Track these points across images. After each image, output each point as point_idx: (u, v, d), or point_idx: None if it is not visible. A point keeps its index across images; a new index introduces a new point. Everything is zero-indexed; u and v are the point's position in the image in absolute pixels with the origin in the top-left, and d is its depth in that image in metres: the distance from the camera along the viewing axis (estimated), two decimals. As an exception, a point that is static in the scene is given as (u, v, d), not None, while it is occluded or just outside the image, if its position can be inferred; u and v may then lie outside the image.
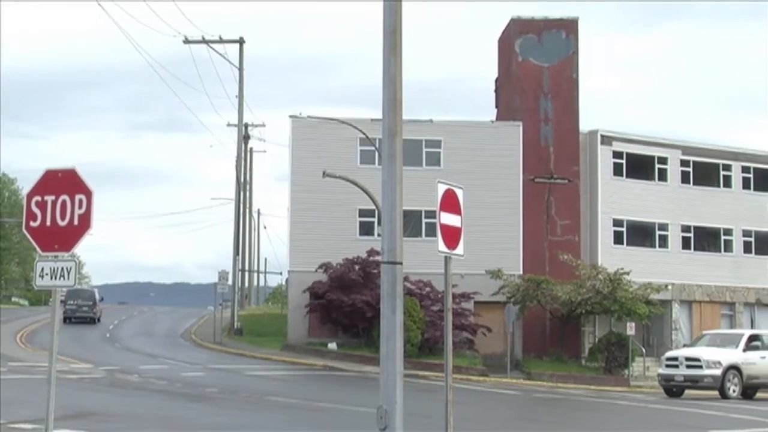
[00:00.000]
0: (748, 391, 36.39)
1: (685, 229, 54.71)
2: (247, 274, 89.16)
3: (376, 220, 46.85)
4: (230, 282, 58.13)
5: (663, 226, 54.14)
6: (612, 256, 50.64)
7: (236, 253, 60.68)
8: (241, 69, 60.84)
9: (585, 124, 53.19)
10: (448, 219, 13.34)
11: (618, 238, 52.66)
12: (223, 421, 20.89)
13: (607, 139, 53.04)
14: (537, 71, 52.50)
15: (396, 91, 10.78)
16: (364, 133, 44.10)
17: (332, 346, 46.51)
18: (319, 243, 48.44)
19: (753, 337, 37.68)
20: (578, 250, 51.00)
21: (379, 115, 10.97)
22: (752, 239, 56.57)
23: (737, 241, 56.20)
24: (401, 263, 10.58)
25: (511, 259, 49.18)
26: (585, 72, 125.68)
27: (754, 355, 36.38)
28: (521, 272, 49.09)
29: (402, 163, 10.75)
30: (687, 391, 36.59)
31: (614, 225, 52.61)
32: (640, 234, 53.60)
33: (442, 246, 13.24)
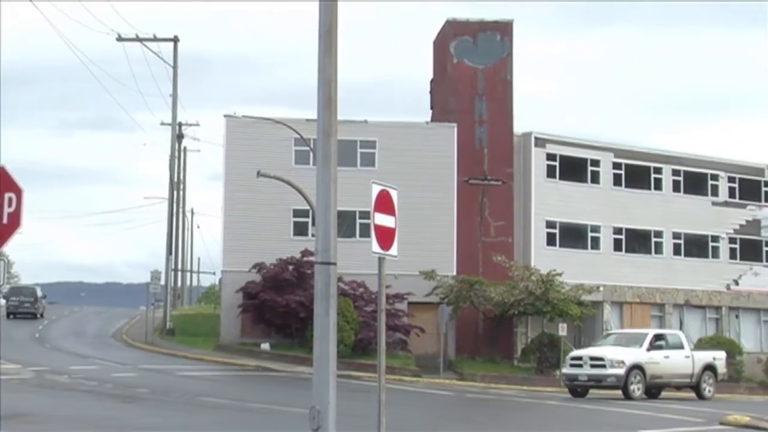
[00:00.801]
0: (653, 391, 36.45)
1: (617, 231, 55.30)
2: (179, 273, 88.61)
3: (310, 220, 46.73)
4: (163, 282, 57.75)
5: (595, 228, 54.68)
6: (545, 258, 51.02)
7: (169, 252, 60.27)
8: (175, 67, 60.45)
9: (519, 126, 53.64)
10: (383, 220, 13.34)
11: (551, 240, 53.09)
12: (155, 422, 20.70)
13: (540, 142, 53.44)
14: (472, 73, 52.74)
15: (331, 92, 10.76)
16: (298, 134, 44.06)
17: (265, 346, 46.34)
18: (252, 243, 48.28)
19: (657, 337, 37.72)
20: (511, 252, 51.32)
21: (314, 115, 10.95)
22: (681, 241, 57.33)
23: (667, 243, 56.93)
24: (335, 264, 10.56)
25: (445, 260, 49.34)
26: (519, 74, 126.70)
27: (657, 355, 36.30)
28: (455, 273, 49.28)
29: (336, 163, 10.73)
30: (591, 391, 36.22)
31: (547, 226, 53.02)
32: (573, 235, 54.08)
33: (376, 247, 13.25)
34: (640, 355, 35.82)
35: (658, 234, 56.77)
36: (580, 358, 36.33)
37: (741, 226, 59.51)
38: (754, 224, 60.05)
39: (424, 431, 21.94)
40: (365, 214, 42.59)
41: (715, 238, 58.52)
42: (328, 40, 10.75)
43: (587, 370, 35.60)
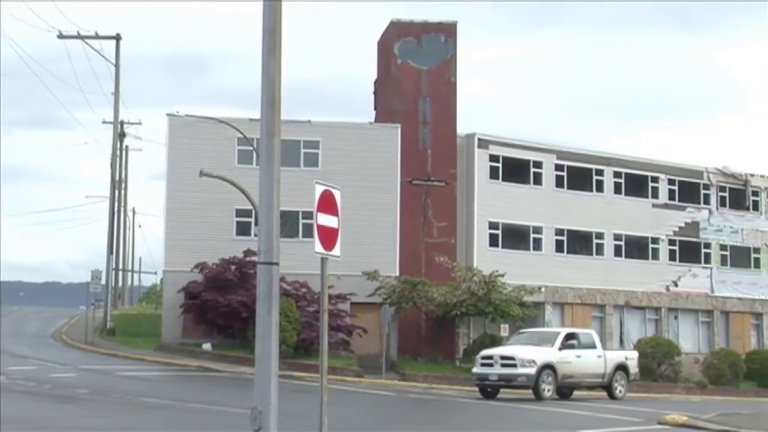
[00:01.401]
0: (564, 391, 36.04)
1: (559, 232, 55.70)
2: (120, 273, 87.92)
3: (253, 220, 46.62)
4: (103, 281, 57.28)
5: (537, 230, 55.03)
6: (487, 259, 51.25)
7: (110, 252, 59.80)
8: (117, 65, 59.99)
9: (463, 128, 53.82)
10: (326, 220, 13.35)
11: (493, 241, 53.35)
12: (95, 422, 20.52)
13: (483, 143, 53.68)
14: (416, 74, 52.87)
15: (274, 91, 10.74)
16: (242, 133, 43.92)
17: (207, 346, 46.12)
18: (195, 243, 48.05)
19: (569, 336, 37.07)
20: (454, 252, 51.49)
21: (257, 114, 10.91)
22: (622, 243, 57.88)
23: (608, 244, 57.44)
24: (278, 264, 10.54)
25: (388, 260, 49.40)
26: (463, 76, 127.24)
27: (569, 354, 35.73)
28: (397, 274, 49.37)
29: (280, 163, 10.70)
30: (502, 391, 35.70)
31: (490, 227, 53.27)
32: (515, 237, 54.39)
33: (319, 247, 13.24)
34: (552, 354, 35.17)
35: (600, 235, 57.25)
36: (490, 357, 35.50)
37: (680, 228, 60.22)
38: (693, 226, 60.80)
39: (366, 431, 21.94)
40: (308, 215, 42.37)
41: (655, 240, 59.15)
42: (272, 39, 10.73)
43: (498, 370, 34.81)
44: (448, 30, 53.67)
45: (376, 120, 54.69)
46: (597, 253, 57.19)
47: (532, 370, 34.12)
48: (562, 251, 55.73)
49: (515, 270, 50.37)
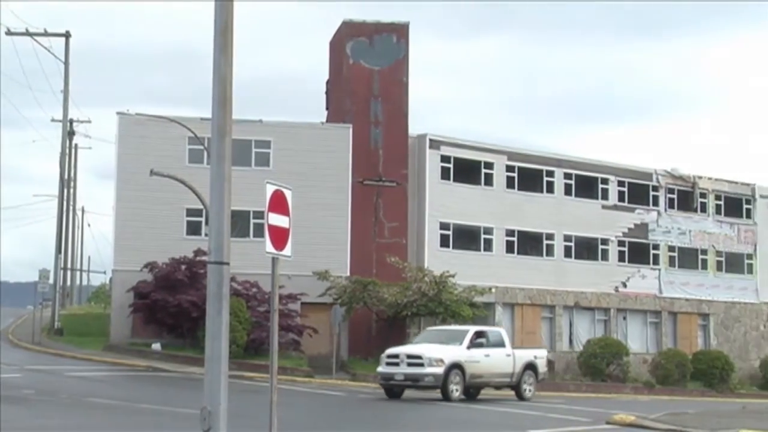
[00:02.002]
0: (471, 391, 34.74)
1: (510, 233, 55.94)
2: (69, 272, 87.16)
3: (203, 219, 46.43)
4: (51, 281, 56.74)
5: (488, 230, 55.23)
6: (438, 259, 51.38)
7: (58, 251, 59.26)
8: (66, 63, 59.45)
9: (415, 128, 53.92)
10: (277, 220, 13.32)
11: (444, 241, 53.49)
12: (41, 423, 20.33)
13: (435, 144, 53.81)
14: (368, 74, 52.88)
15: (226, 91, 10.70)
16: (192, 132, 43.74)
17: (156, 346, 45.86)
18: (145, 242, 47.76)
19: (478, 334, 35.56)
20: (405, 253, 51.57)
21: (208, 114, 10.87)
22: (572, 244, 58.26)
23: (558, 245, 57.78)
24: (228, 263, 10.50)
25: (339, 260, 49.39)
26: (416, 77, 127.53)
27: (478, 353, 34.41)
28: (348, 274, 49.37)
29: (231, 163, 10.67)
30: (408, 392, 34.41)
31: (441, 228, 53.40)
32: (466, 237, 54.56)
33: (269, 247, 13.22)
34: (460, 353, 33.86)
35: (550, 236, 57.58)
36: (396, 356, 33.93)
37: (629, 229, 60.71)
38: (642, 228, 61.34)
39: (315, 431, 21.93)
40: (259, 214, 42.28)
41: (604, 241, 59.58)
42: (224, 38, 10.69)
43: (404, 369, 33.29)
44: (401, 30, 53.74)
45: (328, 120, 54.65)
46: (547, 254, 57.52)
47: (439, 370, 32.83)
48: (513, 252, 55.98)
49: (466, 270, 50.54)
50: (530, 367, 36.52)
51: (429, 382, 33.01)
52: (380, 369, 34.48)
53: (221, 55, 10.68)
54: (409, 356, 33.55)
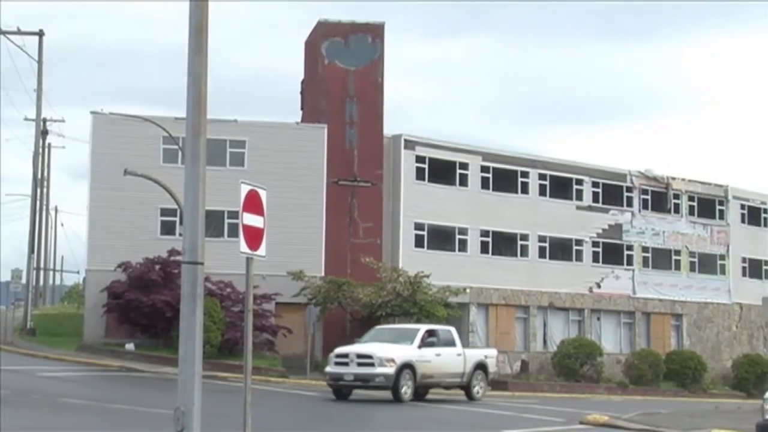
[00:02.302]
0: (420, 391, 33.60)
1: (484, 233, 56.00)
2: (42, 272, 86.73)
3: (178, 219, 46.28)
4: (24, 280, 56.45)
5: (463, 231, 55.27)
6: (413, 259, 51.37)
7: (31, 251, 58.92)
8: (40, 62, 59.18)
9: (390, 129, 53.85)
10: (251, 220, 13.31)
11: (419, 242, 53.50)
12: (14, 424, 20.21)
13: (410, 144, 53.82)
14: (343, 74, 52.84)
15: (201, 90, 10.67)
16: (167, 132, 43.58)
17: (130, 346, 45.70)
18: (118, 242, 47.56)
19: (429, 333, 34.54)
20: (380, 253, 51.57)
21: (183, 113, 10.83)
22: (547, 245, 58.38)
23: (533, 246, 57.89)
24: (203, 263, 10.47)
25: (313, 260, 49.35)
26: (391, 77, 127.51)
27: (429, 352, 33.47)
28: (323, 274, 49.31)
29: (205, 162, 10.63)
30: (357, 392, 33.48)
31: (416, 228, 53.40)
32: (441, 238, 54.59)
33: (244, 247, 13.20)
34: (411, 352, 32.87)
35: (524, 237, 57.68)
36: (346, 356, 32.83)
37: (603, 230, 60.91)
38: (617, 228, 61.57)
39: (289, 431, 21.91)
40: (234, 214, 42.27)
41: (579, 242, 59.75)
42: (199, 38, 10.66)
43: (354, 369, 32.22)
44: (376, 31, 53.73)
45: (303, 120, 54.57)
46: (522, 255, 57.62)
47: (391, 370, 31.81)
48: (487, 252, 56.06)
49: (440, 271, 50.56)
50: (481, 366, 35.75)
51: (380, 383, 32.06)
52: (329, 369, 33.37)
53: (196, 54, 10.65)
54: (360, 356, 32.54)
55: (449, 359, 34.27)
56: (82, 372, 38.23)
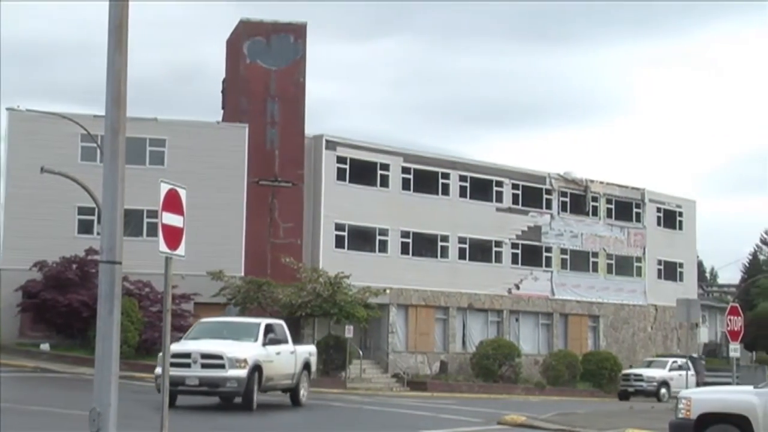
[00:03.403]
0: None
1: (405, 234, 56.19)
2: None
3: (96, 218, 45.79)
4: (-64, 279, 55.34)
5: (383, 231, 55.40)
6: (333, 260, 51.36)
7: (-56, 248, 57.84)
8: (-45, 56, 58.15)
9: (312, 129, 53.83)
10: (171, 219, 13.21)
11: (339, 242, 53.51)
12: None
13: (331, 144, 53.82)
14: (265, 74, 52.67)
15: (120, 88, 10.56)
16: (85, 129, 43.06)
17: (45, 347, 45.08)
18: (35, 240, 46.90)
19: (269, 328, 29.15)
20: (300, 253, 51.50)
21: (102, 111, 10.72)
22: (467, 246, 58.75)
23: (453, 247, 58.22)
24: (120, 263, 10.36)
25: (233, 260, 49.13)
26: (314, 77, 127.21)
27: (272, 351, 28.35)
28: (243, 274, 49.11)
29: (124, 161, 10.53)
30: (182, 398, 27.05)
31: (336, 229, 53.42)
32: (361, 238, 54.67)
33: (163, 246, 13.10)
34: (259, 351, 27.67)
35: (445, 238, 57.99)
36: (188, 356, 26.49)
37: (523, 232, 61.48)
38: (536, 230, 62.18)
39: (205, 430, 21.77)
40: (153, 213, 41.81)
41: (498, 243, 60.23)
42: (119, 35, 10.55)
43: (198, 372, 26.43)
44: (298, 31, 53.65)
45: (224, 119, 54.31)
46: (442, 256, 57.92)
47: (243, 373, 26.58)
48: (408, 253, 56.26)
49: (361, 271, 50.63)
50: (307, 366, 30.85)
51: (231, 388, 26.75)
52: (160, 371, 22.33)
53: (115, 52, 10.54)
54: (206, 356, 26.67)
55: (286, 358, 29.28)
56: (-5, 372, 37.54)
